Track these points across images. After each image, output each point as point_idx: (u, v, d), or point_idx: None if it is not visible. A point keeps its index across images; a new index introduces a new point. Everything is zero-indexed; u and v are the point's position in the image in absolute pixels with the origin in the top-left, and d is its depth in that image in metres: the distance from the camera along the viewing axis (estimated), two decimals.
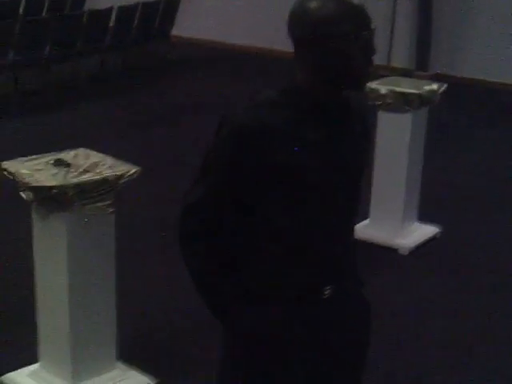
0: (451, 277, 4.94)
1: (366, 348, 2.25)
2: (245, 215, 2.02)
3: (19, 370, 3.60)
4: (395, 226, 5.29)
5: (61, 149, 3.51)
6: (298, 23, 1.94)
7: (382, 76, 5.54)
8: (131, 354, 3.72)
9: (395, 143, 5.21)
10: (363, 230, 5.23)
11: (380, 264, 5.02)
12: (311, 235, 2.01)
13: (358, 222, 5.15)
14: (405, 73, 9.83)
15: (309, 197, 1.98)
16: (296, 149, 1.93)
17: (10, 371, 3.60)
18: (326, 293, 2.05)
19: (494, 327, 4.32)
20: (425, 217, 5.52)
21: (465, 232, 5.62)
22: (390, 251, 5.22)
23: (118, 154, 3.55)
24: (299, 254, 2.02)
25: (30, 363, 3.61)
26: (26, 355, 3.66)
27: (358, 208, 2.18)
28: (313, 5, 1.91)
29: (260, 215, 2.00)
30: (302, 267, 2.03)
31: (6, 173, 3.31)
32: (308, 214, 1.99)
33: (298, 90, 1.98)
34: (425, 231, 5.47)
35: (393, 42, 11.03)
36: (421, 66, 10.76)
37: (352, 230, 2.18)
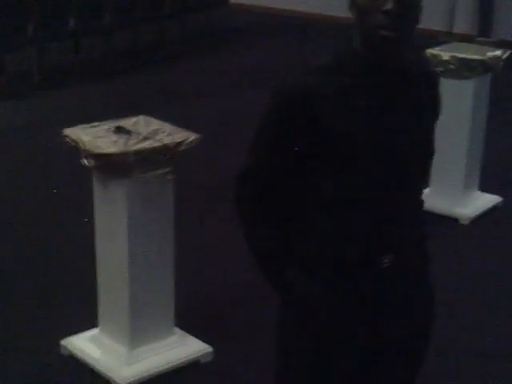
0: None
1: (424, 340, 2.17)
2: (297, 182, 2.01)
3: (79, 335, 3.66)
4: (456, 194, 5.22)
5: (122, 116, 3.54)
6: None
7: (444, 42, 5.44)
8: (189, 320, 3.75)
9: (457, 110, 5.10)
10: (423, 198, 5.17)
11: (441, 234, 4.96)
12: (362, 200, 1.97)
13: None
14: (467, 39, 9.64)
15: (358, 161, 1.94)
16: (344, 114, 1.91)
17: (71, 335, 3.66)
18: (384, 262, 2.00)
19: None
20: (486, 186, 5.43)
21: None
22: (450, 220, 5.15)
23: (179, 121, 3.57)
24: (350, 221, 1.98)
25: (90, 328, 3.67)
26: (85, 320, 3.72)
27: (423, 176, 2.13)
28: None
29: (311, 182, 1.98)
30: (354, 235, 1.99)
31: (67, 139, 3.35)
32: (359, 178, 1.95)
33: (351, 53, 1.96)
34: (486, 200, 5.38)
35: (455, 7, 10.79)
36: (483, 31, 10.52)
37: (416, 199, 2.13)
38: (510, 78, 7.08)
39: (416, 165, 2.07)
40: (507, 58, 5.15)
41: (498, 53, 5.15)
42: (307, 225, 2.03)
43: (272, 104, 1.99)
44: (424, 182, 2.18)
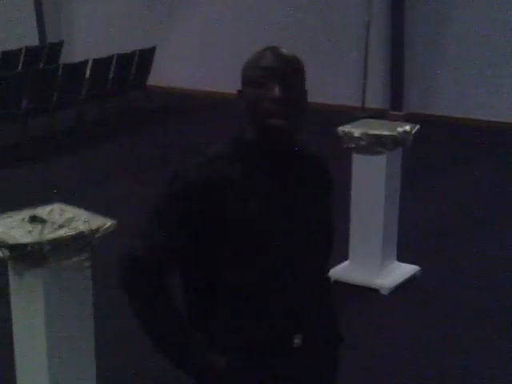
0: (432, 315, 4.95)
1: None
2: (200, 269, 2.01)
3: None
4: (375, 266, 5.32)
5: (38, 203, 3.52)
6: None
7: (359, 118, 5.61)
8: None
9: (371, 185, 5.25)
10: (343, 271, 5.26)
11: (361, 305, 5.03)
12: (267, 287, 1.99)
13: (335, 265, 5.21)
14: (380, 113, 9.97)
15: (261, 248, 1.97)
16: (246, 201, 1.94)
17: None
18: (295, 342, 2.03)
19: (475, 366, 4.33)
20: (404, 256, 5.55)
21: (444, 270, 5.65)
22: (370, 291, 5.23)
23: (95, 206, 3.56)
24: (257, 305, 2.00)
25: None
26: None
27: (327, 255, 2.17)
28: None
29: (216, 269, 1.99)
30: (265, 316, 2.00)
31: None
32: (263, 265, 1.98)
33: (245, 141, 2.01)
34: (404, 270, 5.49)
35: (367, 83, 11.16)
36: (395, 105, 10.89)
37: (322, 277, 2.17)
38: (420, 151, 7.32)
39: (319, 245, 2.11)
40: (416, 132, 5.34)
41: (408, 128, 5.33)
42: (216, 305, 2.03)
43: (174, 191, 1.99)
44: (328, 260, 2.21)
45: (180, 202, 1.97)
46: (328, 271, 2.20)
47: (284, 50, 1.98)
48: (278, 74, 1.91)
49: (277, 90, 1.89)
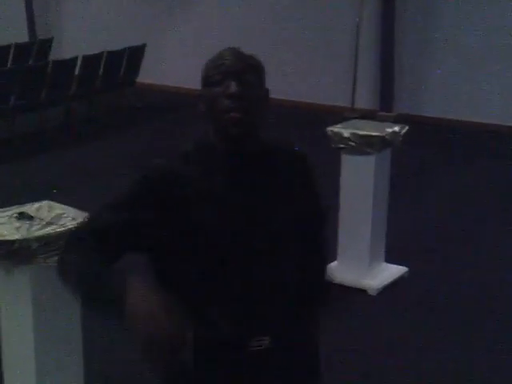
0: (419, 316, 4.96)
1: None
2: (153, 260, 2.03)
3: None
4: (363, 267, 5.32)
5: (26, 200, 3.51)
6: None
7: (348, 118, 5.61)
8: None
9: (359, 185, 5.26)
10: (331, 271, 5.25)
11: (349, 305, 5.03)
12: (215, 288, 1.99)
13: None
14: (369, 113, 9.98)
15: (209, 252, 1.97)
16: (196, 202, 1.96)
17: None
18: (255, 345, 2.01)
19: (463, 366, 4.34)
20: (392, 257, 5.56)
21: (432, 271, 5.67)
22: (358, 292, 5.24)
23: (82, 204, 3.55)
24: (216, 306, 1.99)
25: None
26: None
27: (302, 256, 2.15)
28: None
29: (162, 265, 2.01)
30: (222, 318, 1.99)
31: None
32: (210, 266, 1.98)
33: (207, 142, 2.03)
34: (392, 271, 5.50)
35: (356, 84, 11.18)
36: (384, 106, 10.91)
37: (292, 282, 2.12)
38: (409, 151, 7.34)
39: (289, 245, 2.09)
40: (405, 133, 5.35)
41: (397, 128, 5.34)
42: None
43: (133, 184, 2.02)
44: (309, 260, 2.20)
45: (133, 192, 2.01)
46: (303, 271, 2.16)
47: (241, 50, 2.02)
48: (234, 71, 1.96)
49: (233, 87, 1.93)
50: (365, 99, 11.18)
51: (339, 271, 5.31)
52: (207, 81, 1.99)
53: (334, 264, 5.38)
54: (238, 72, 1.96)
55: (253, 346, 2.01)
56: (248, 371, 2.03)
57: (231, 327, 2.00)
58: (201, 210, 1.96)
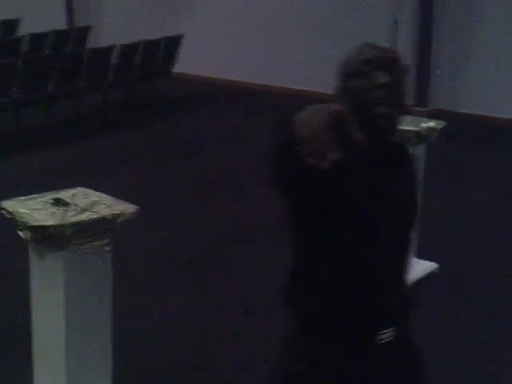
0: (450, 312, 4.93)
1: None
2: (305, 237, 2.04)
3: None
4: None
5: (62, 186, 3.54)
6: None
7: None
8: None
9: None
10: None
11: None
12: (355, 271, 2.02)
13: None
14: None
15: (364, 232, 2.00)
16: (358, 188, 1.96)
17: None
18: (382, 337, 2.04)
19: (493, 363, 4.31)
20: (423, 253, 5.53)
21: (463, 267, 5.63)
22: None
23: (118, 191, 3.58)
24: (351, 291, 2.02)
25: None
26: None
27: (407, 249, 2.18)
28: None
29: (321, 240, 2.02)
30: (352, 307, 2.02)
31: (4, 212, 3.33)
32: (360, 252, 2.01)
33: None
34: (423, 267, 5.47)
35: None
36: (420, 101, 10.83)
37: (403, 272, 2.16)
38: (445, 147, 7.28)
39: (408, 232, 2.15)
40: (442, 128, 5.30)
41: (433, 124, 5.30)
42: (318, 282, 2.04)
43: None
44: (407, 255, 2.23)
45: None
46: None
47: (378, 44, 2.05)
48: (381, 62, 1.98)
49: (384, 77, 1.95)
50: None
51: None
52: (352, 74, 2.01)
53: None
54: (385, 63, 1.99)
55: (380, 338, 2.04)
56: (373, 365, 2.06)
57: (361, 320, 2.02)
58: (359, 195, 1.96)
